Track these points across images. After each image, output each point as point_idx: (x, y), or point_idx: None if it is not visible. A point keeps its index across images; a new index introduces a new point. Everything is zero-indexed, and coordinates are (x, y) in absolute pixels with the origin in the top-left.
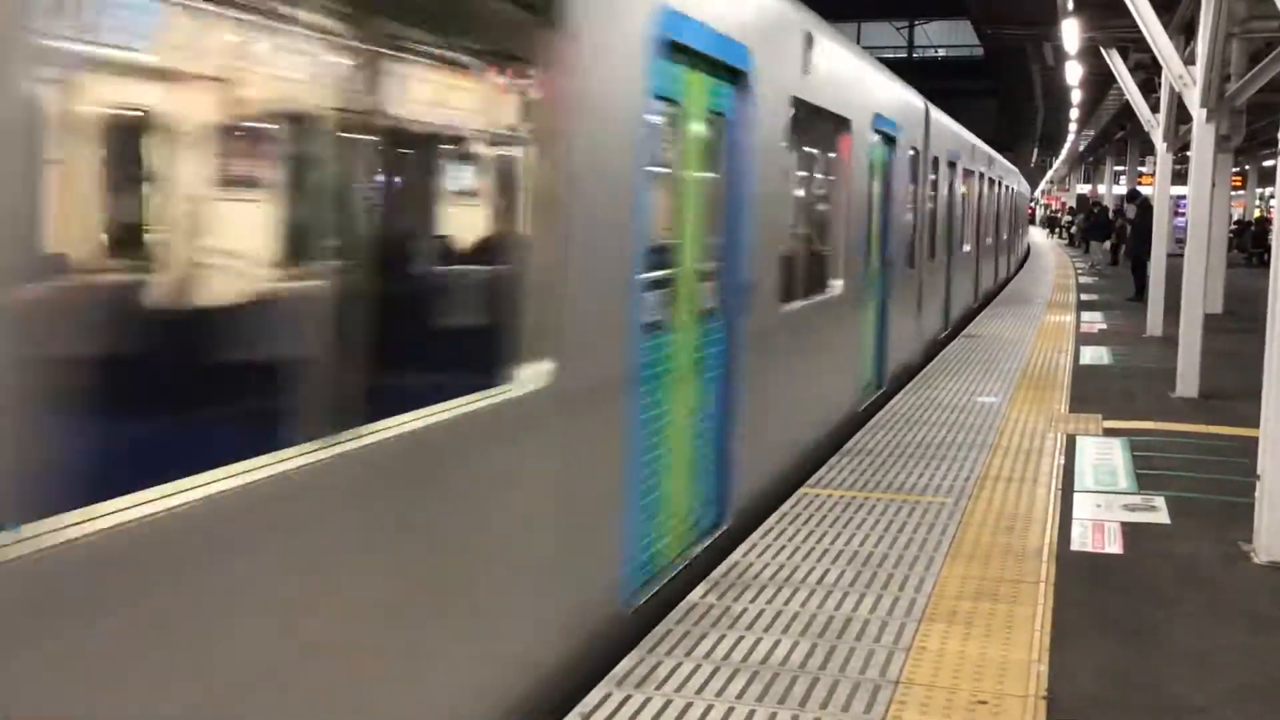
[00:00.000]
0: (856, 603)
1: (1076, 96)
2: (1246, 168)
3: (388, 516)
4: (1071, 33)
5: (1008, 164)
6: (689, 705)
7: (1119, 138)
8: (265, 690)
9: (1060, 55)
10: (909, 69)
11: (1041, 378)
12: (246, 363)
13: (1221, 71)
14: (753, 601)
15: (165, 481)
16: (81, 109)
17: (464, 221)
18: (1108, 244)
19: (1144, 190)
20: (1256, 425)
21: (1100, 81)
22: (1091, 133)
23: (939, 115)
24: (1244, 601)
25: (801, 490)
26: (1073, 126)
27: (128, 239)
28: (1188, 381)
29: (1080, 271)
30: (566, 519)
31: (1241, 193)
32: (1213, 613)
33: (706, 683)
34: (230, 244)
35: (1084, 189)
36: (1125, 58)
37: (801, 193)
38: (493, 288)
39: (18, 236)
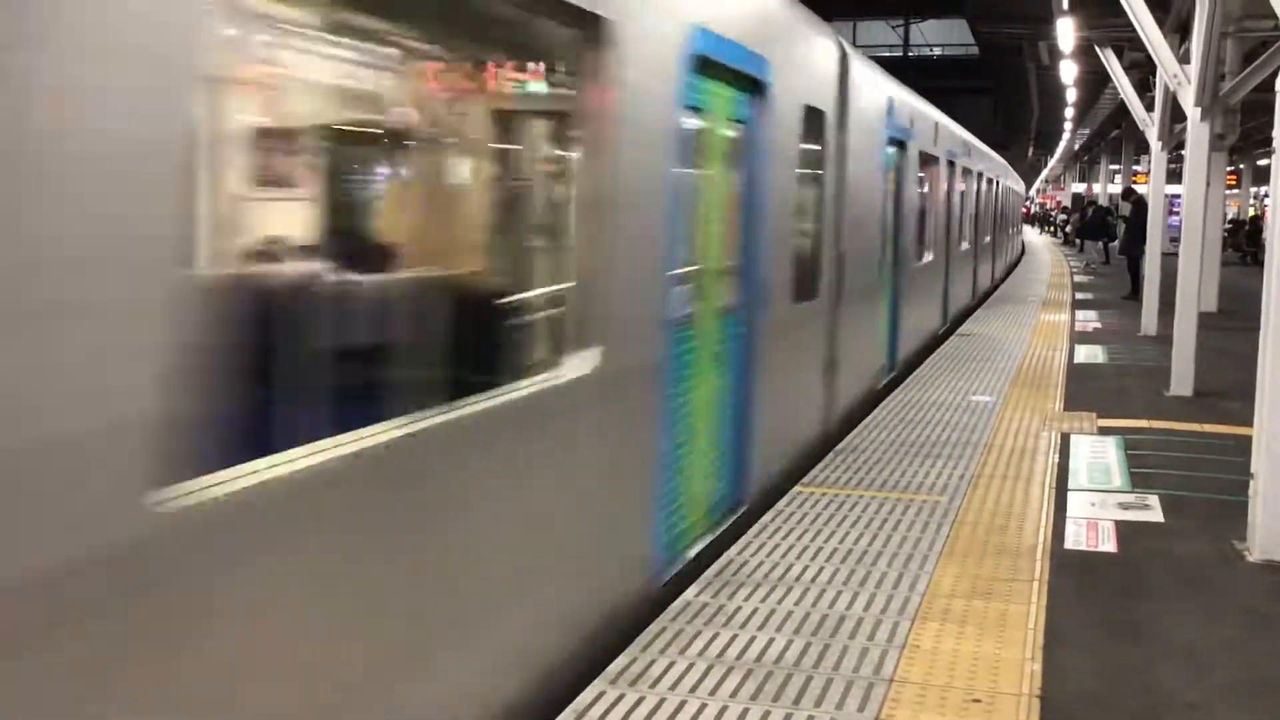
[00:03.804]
0: (850, 601)
1: (1072, 95)
2: (1241, 166)
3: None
4: (1066, 32)
5: (1004, 162)
6: (683, 703)
7: (1114, 136)
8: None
9: (1055, 54)
10: (904, 68)
11: (1036, 376)
12: None
13: (1216, 70)
14: (746, 599)
15: None
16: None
17: None
18: (1101, 243)
19: (1139, 189)
20: (1251, 424)
21: (1095, 80)
22: (1087, 131)
23: (947, 123)
24: (1238, 599)
25: (795, 489)
26: (1068, 125)
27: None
28: (1182, 380)
29: (1075, 270)
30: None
31: (1236, 191)
32: (1206, 611)
33: (700, 681)
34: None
35: (1079, 188)
36: (1120, 56)
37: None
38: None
39: None
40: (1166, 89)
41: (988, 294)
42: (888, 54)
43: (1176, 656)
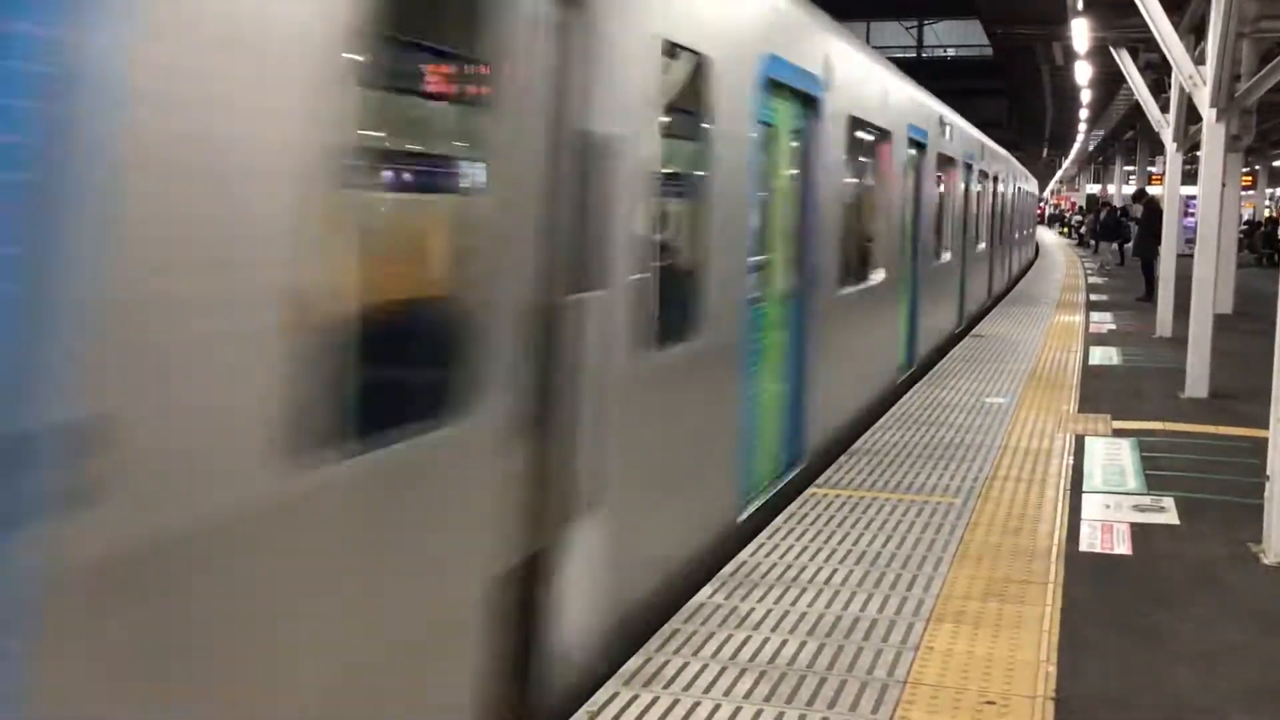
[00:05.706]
0: (864, 602)
1: (1086, 96)
2: (1257, 167)
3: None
4: (1081, 33)
5: (1022, 167)
6: (696, 704)
7: (1129, 137)
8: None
9: (1070, 55)
10: (918, 69)
11: (1050, 378)
12: None
13: (1232, 71)
14: (760, 601)
15: None
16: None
17: None
18: (1115, 245)
19: (1154, 190)
20: (1266, 426)
21: (1110, 81)
22: (1101, 132)
23: (990, 143)
24: (1253, 602)
25: (809, 490)
26: (1082, 126)
27: None
28: (1197, 382)
29: (1089, 271)
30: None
31: (1252, 192)
32: (1222, 614)
33: (714, 682)
34: None
35: (1094, 189)
36: (1135, 58)
37: (941, 203)
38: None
39: None
40: (1182, 90)
41: (1017, 278)
42: (901, 55)
43: (1191, 659)
